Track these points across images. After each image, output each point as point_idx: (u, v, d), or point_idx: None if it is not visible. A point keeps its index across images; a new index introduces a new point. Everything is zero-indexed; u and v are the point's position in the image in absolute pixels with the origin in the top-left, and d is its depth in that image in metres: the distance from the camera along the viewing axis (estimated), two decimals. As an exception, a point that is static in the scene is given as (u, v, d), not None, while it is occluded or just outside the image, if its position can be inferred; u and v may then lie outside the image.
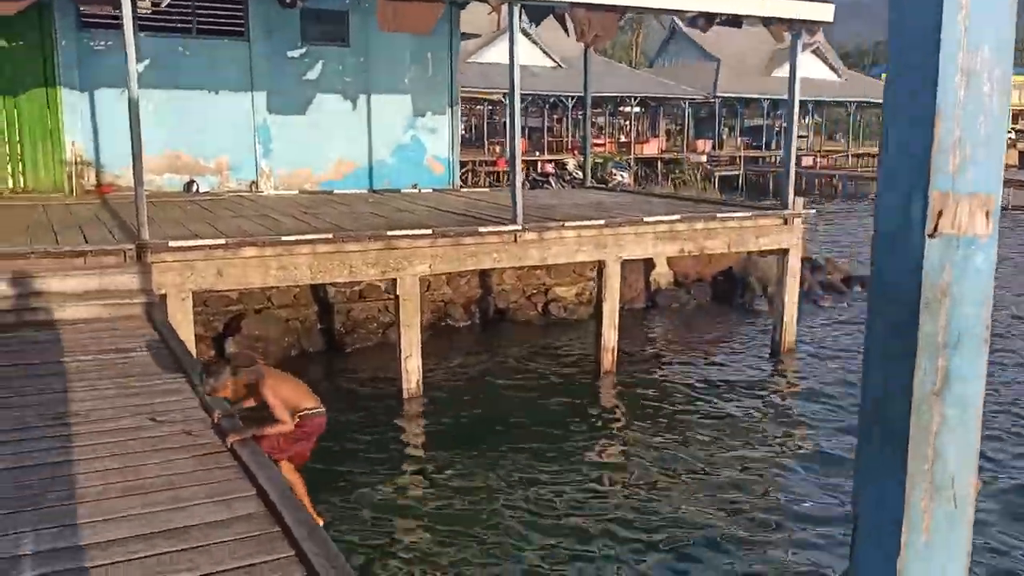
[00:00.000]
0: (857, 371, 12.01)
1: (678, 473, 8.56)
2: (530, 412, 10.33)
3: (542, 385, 11.58)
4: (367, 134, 16.45)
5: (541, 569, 6.61)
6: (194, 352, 8.66)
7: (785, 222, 12.77)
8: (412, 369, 10.52)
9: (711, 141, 49.00)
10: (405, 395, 10.52)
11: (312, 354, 13.11)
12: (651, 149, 44.34)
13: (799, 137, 31.40)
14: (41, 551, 3.55)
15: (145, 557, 3.50)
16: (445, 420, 10.09)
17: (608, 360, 11.81)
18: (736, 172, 44.08)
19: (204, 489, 4.21)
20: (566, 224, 11.20)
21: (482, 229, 10.72)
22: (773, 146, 50.02)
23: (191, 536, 3.70)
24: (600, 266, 11.69)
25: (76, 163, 14.51)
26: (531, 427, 9.75)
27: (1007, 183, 31.66)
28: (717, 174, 40.78)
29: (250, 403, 5.57)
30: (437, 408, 10.47)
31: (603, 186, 23.00)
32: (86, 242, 9.27)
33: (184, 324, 8.98)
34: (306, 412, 5.67)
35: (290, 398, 5.56)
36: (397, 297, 10.45)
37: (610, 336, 11.77)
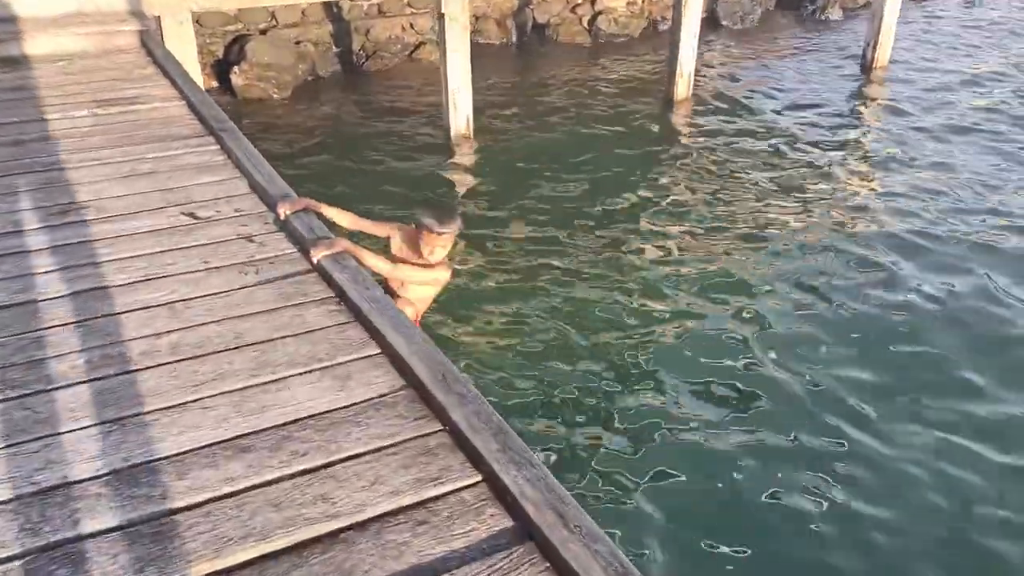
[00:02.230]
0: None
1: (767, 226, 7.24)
2: (595, 156, 8.80)
3: (602, 118, 9.92)
4: None
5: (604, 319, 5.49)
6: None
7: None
8: (462, 105, 8.83)
9: None
10: (453, 136, 8.93)
11: (329, 80, 11.28)
12: None
13: None
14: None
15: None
16: (498, 161, 8.58)
17: (683, 88, 10.09)
18: None
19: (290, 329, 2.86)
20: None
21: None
22: None
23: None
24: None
25: None
26: (600, 173, 8.27)
27: None
28: None
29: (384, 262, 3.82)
30: (488, 149, 8.93)
31: None
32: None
33: (187, 57, 7.15)
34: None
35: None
36: (441, 16, 8.50)
37: (687, 57, 9.95)
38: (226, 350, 2.81)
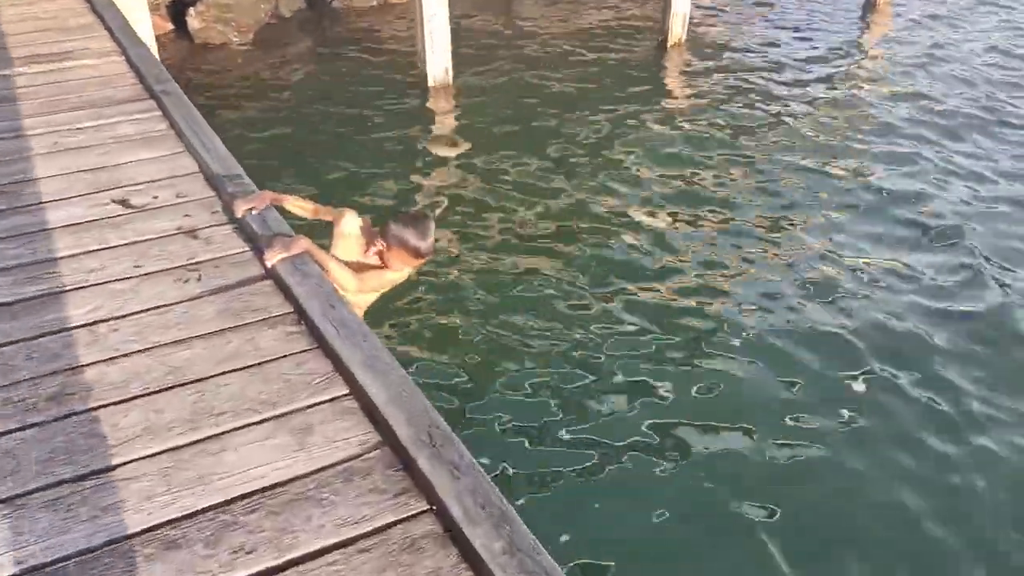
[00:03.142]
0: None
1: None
2: (584, 99, 8.14)
3: (594, 62, 9.23)
4: None
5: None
6: (154, 48, 6.26)
7: None
8: (439, 45, 8.10)
9: None
10: (431, 83, 8.23)
11: (294, 21, 10.47)
12: None
13: None
14: None
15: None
16: (481, 112, 7.92)
17: (678, 28, 9.40)
18: None
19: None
20: None
21: None
22: None
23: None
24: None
25: None
26: (589, 119, 7.65)
27: None
28: None
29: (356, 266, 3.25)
30: (469, 97, 8.25)
31: None
32: None
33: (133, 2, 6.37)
34: None
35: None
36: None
37: (681, -3, 9.24)
38: (157, 391, 2.26)
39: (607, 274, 5.38)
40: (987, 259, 5.64)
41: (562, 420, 4.19)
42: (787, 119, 7.80)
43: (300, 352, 2.41)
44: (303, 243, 2.83)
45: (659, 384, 4.45)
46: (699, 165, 6.90)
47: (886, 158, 7.10)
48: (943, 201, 6.42)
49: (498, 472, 3.83)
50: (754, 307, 5.11)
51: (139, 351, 2.42)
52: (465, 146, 7.27)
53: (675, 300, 5.16)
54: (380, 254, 3.24)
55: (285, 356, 2.39)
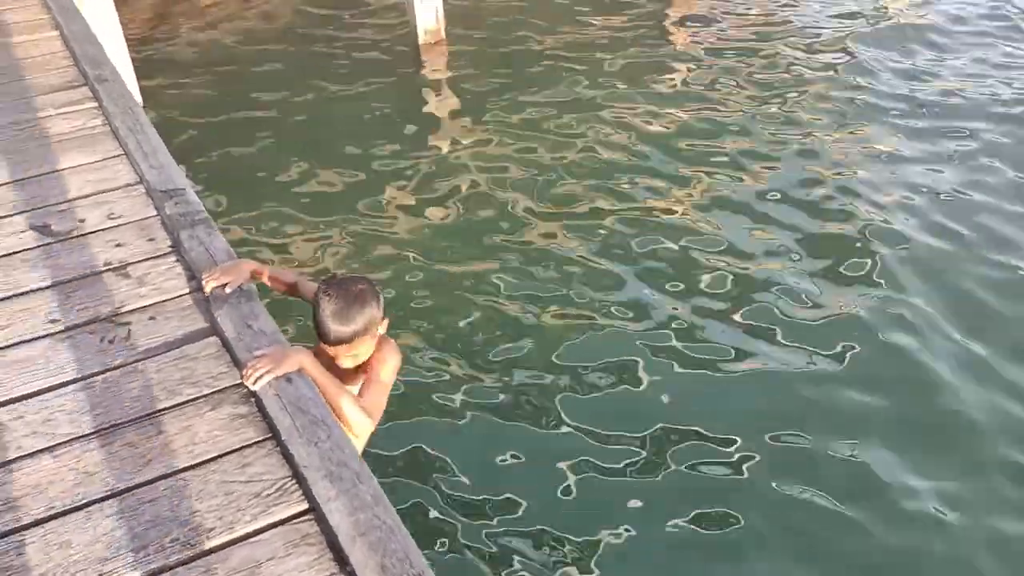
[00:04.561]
0: None
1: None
2: (586, 47, 7.45)
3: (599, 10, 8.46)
4: None
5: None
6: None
7: None
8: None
9: None
10: (420, 33, 7.53)
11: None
12: None
13: None
14: None
15: None
16: (477, 62, 7.23)
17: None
18: None
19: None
20: None
21: None
22: None
23: None
24: None
25: None
26: (594, 70, 6.97)
27: None
28: None
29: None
30: (464, 46, 7.55)
31: None
32: None
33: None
34: None
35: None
36: None
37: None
38: (56, 518, 1.75)
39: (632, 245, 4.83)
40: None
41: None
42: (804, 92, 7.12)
43: (249, 446, 1.89)
44: (248, 267, 2.31)
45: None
46: (712, 108, 6.27)
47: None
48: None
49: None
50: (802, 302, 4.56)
51: (44, 449, 1.91)
52: (465, 101, 6.62)
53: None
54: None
55: (228, 455, 1.87)
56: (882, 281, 4.55)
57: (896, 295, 4.45)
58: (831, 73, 6.93)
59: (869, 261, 4.70)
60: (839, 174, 5.55)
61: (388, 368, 2.35)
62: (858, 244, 4.86)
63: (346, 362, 2.31)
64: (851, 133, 6.07)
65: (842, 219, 5.09)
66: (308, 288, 2.48)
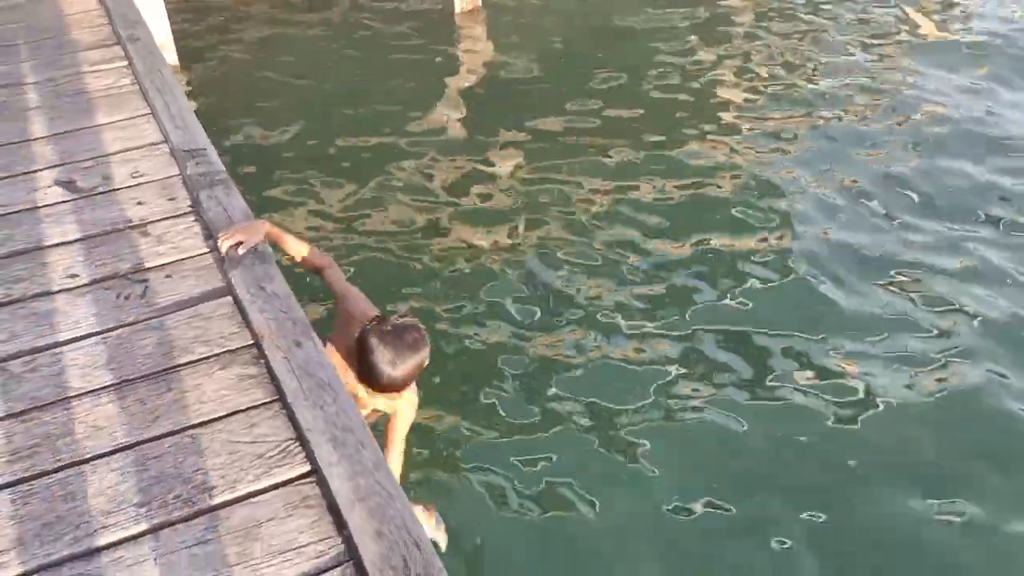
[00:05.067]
0: None
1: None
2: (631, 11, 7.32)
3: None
4: None
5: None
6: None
7: None
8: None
9: None
10: (458, 7, 7.47)
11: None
12: None
13: None
14: None
15: None
16: (518, 32, 7.14)
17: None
18: None
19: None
20: None
21: None
22: None
23: None
24: None
25: None
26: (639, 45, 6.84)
27: None
28: None
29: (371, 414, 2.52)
30: (501, 12, 7.46)
31: None
32: None
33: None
34: None
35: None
36: None
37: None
38: (62, 469, 1.77)
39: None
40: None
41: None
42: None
43: (256, 407, 1.89)
44: (263, 228, 2.34)
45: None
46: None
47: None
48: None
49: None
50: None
51: (57, 401, 1.93)
52: (505, 75, 6.55)
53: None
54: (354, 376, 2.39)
55: (236, 414, 1.88)
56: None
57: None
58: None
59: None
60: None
61: (406, 426, 2.44)
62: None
63: (379, 403, 2.34)
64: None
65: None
66: (337, 280, 2.50)
